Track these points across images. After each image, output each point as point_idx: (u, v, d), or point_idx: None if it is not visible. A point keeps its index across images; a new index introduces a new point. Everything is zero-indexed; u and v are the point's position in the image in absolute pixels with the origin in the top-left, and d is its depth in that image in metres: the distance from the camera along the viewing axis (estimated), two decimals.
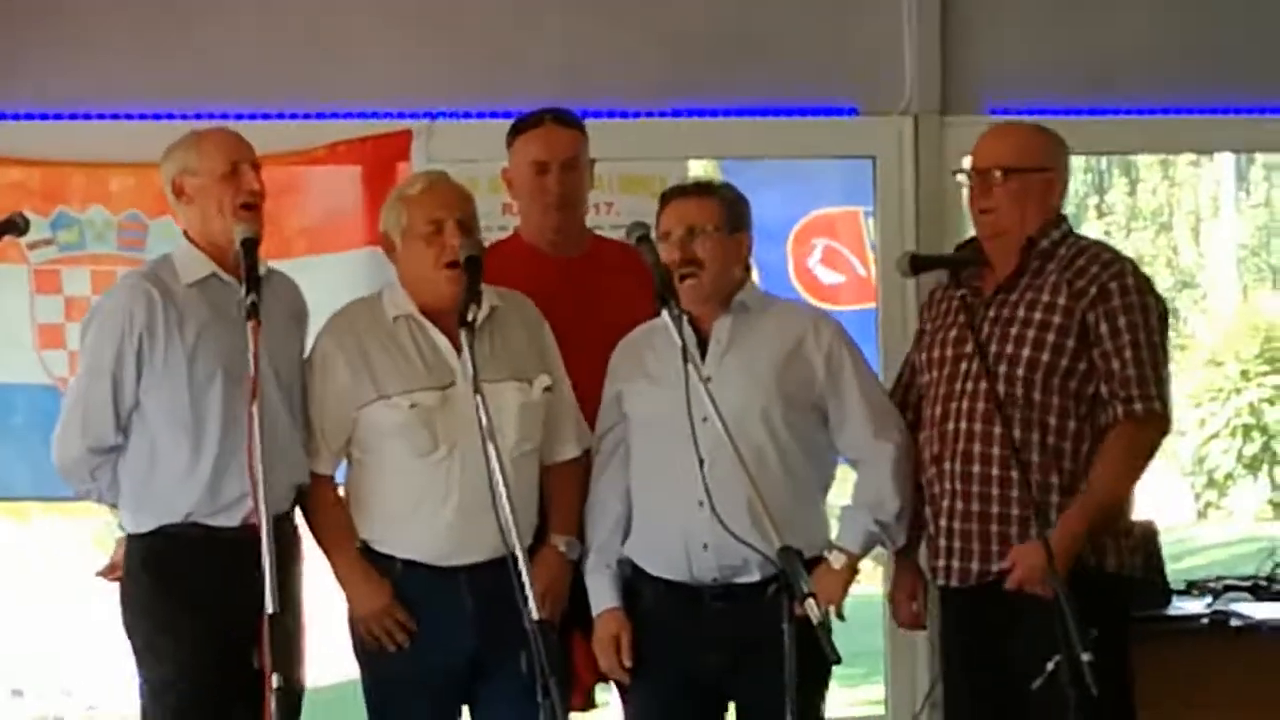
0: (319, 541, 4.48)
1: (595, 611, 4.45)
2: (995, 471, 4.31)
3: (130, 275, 4.45)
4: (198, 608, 4.22)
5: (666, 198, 4.52)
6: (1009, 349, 4.30)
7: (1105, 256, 4.43)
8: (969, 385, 4.36)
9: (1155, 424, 4.34)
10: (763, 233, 4.75)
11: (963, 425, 4.35)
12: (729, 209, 4.45)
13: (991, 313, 4.34)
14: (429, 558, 4.36)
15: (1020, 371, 4.31)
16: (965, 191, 4.55)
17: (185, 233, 4.42)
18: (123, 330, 4.26)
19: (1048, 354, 4.32)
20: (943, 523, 4.38)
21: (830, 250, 6.42)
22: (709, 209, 4.42)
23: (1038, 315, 4.34)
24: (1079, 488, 4.30)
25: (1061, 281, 4.36)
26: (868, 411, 4.44)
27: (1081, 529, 4.24)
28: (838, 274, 6.32)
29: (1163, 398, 4.33)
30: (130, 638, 4.36)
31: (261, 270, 4.27)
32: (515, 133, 4.88)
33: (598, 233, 5.10)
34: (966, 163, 4.59)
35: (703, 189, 4.52)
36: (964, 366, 4.38)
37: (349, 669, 4.52)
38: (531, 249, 4.84)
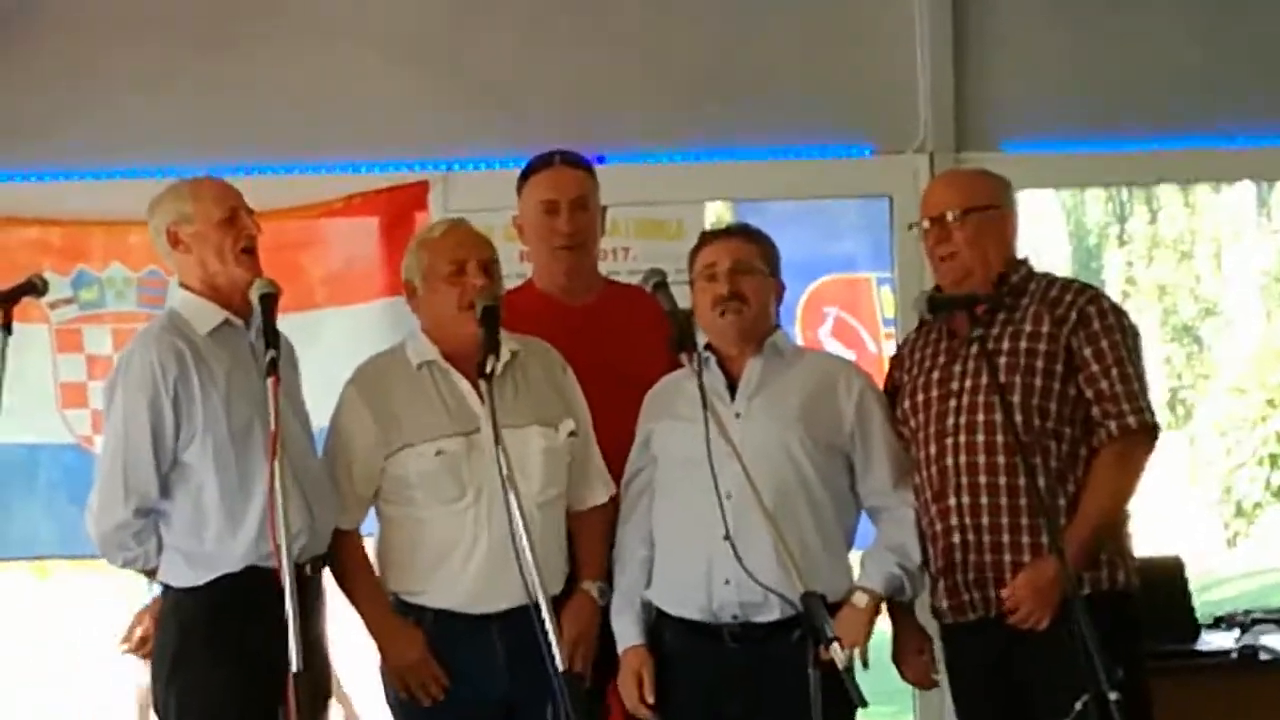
0: (349, 596, 4.45)
1: (620, 650, 4.45)
2: (1004, 501, 4.32)
3: (149, 331, 4.35)
4: (253, 659, 4.10)
5: (709, 237, 4.57)
6: (1002, 379, 4.31)
7: (1077, 285, 4.52)
8: (962, 419, 4.38)
9: (1148, 435, 4.38)
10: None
11: (963, 459, 4.36)
12: (771, 252, 4.53)
13: (974, 350, 4.34)
14: (460, 606, 4.35)
15: (1017, 399, 4.32)
16: (922, 244, 4.59)
17: (183, 283, 4.38)
18: (156, 385, 4.19)
19: (1040, 380, 4.35)
20: (956, 558, 4.37)
21: (842, 322, 6.42)
22: (755, 249, 4.48)
23: (1024, 345, 4.38)
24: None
25: (1042, 311, 4.41)
26: (892, 460, 4.46)
27: (1081, 552, 4.24)
28: (849, 349, 6.31)
29: (1151, 409, 4.39)
30: (172, 689, 4.25)
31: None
32: (525, 176, 4.87)
33: (614, 277, 5.10)
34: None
35: (748, 230, 4.57)
36: (953, 403, 4.41)
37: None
38: (544, 296, 4.83)
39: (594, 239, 4.90)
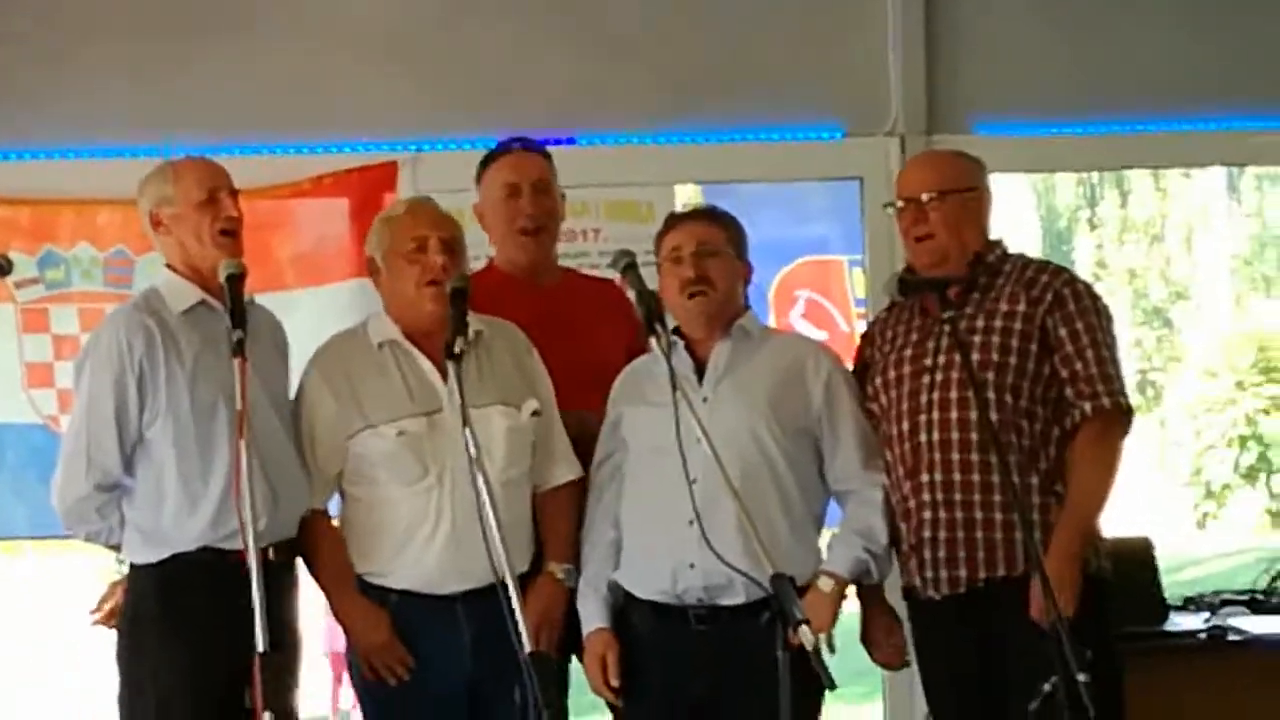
0: (316, 577, 4.45)
1: (585, 633, 4.44)
2: (976, 477, 4.33)
3: (121, 308, 4.39)
4: (204, 640, 4.14)
5: (674, 219, 4.56)
6: (975, 358, 4.32)
7: (1052, 267, 4.53)
8: (935, 396, 4.39)
9: (1122, 416, 4.40)
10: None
11: (935, 436, 4.36)
12: (737, 234, 4.52)
13: (947, 329, 4.34)
14: (424, 586, 4.34)
15: (991, 377, 4.33)
16: (896, 224, 4.59)
17: (167, 264, 4.40)
18: (122, 362, 4.22)
19: (1015, 359, 4.37)
20: (926, 534, 4.38)
21: (813, 304, 6.42)
22: (720, 231, 4.47)
23: (998, 324, 4.39)
24: (1054, 487, 4.35)
25: (1018, 291, 4.42)
26: (860, 442, 4.46)
27: (1078, 537, 4.28)
28: (821, 330, 6.31)
29: (1125, 391, 4.42)
30: (126, 667, 4.29)
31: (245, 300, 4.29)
32: (484, 164, 4.89)
33: (584, 259, 5.11)
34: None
35: (714, 213, 4.56)
36: (926, 380, 4.42)
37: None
38: (507, 276, 4.83)
39: (555, 223, 4.90)
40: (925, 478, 4.38)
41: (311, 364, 4.47)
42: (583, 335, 4.68)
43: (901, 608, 4.55)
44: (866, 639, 4.54)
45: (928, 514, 4.37)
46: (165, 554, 4.25)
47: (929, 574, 4.39)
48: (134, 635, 4.29)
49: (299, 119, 6.07)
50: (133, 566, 4.32)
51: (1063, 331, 4.38)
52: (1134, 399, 4.52)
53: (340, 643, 10.44)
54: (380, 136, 6.09)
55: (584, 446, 4.53)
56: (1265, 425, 17.35)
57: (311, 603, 4.51)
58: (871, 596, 4.51)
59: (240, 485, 3.73)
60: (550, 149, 4.95)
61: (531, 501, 4.47)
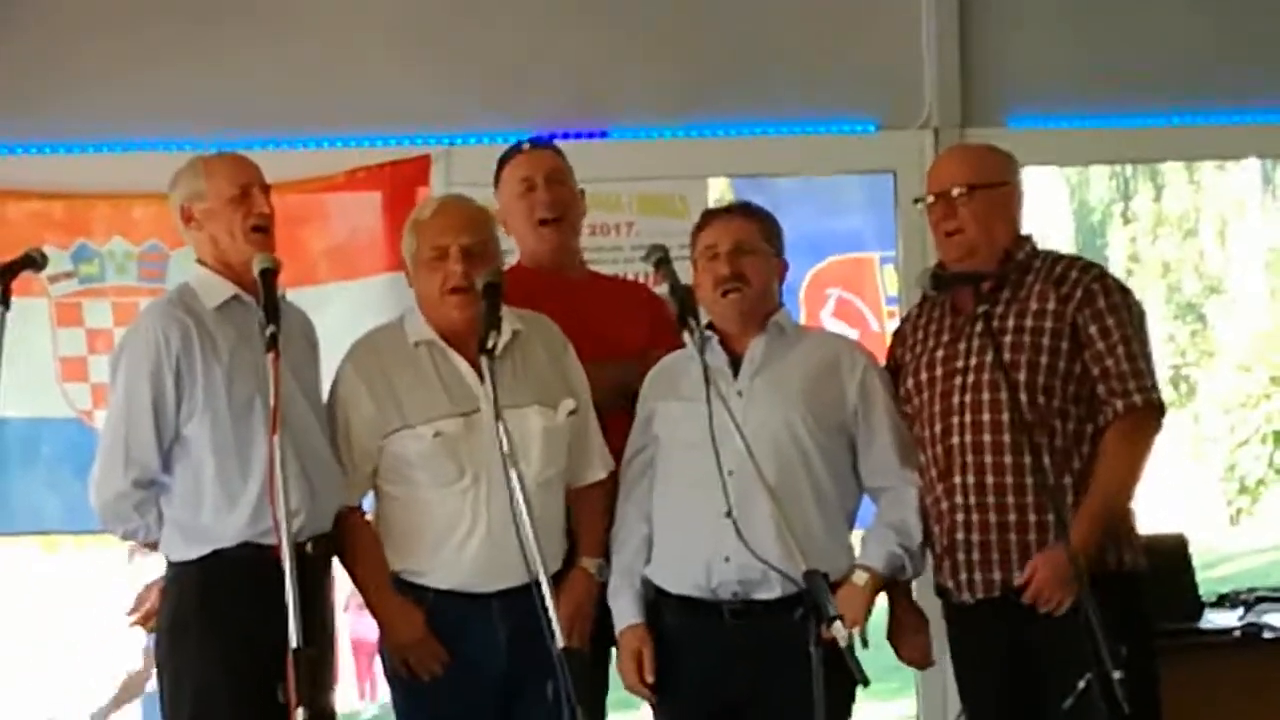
0: (351, 573, 4.46)
1: (618, 629, 4.44)
2: (1009, 479, 4.31)
3: (156, 304, 4.40)
4: (245, 635, 4.12)
5: (710, 216, 4.57)
6: (1007, 357, 4.30)
7: (1082, 262, 4.51)
8: (967, 398, 4.37)
9: (1154, 414, 4.38)
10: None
11: (968, 438, 4.35)
12: (774, 230, 4.52)
13: (978, 327, 4.33)
14: (460, 585, 4.34)
15: (1023, 377, 4.32)
16: (926, 218, 4.57)
17: (199, 259, 4.40)
18: (159, 358, 4.22)
19: (1046, 357, 4.35)
20: (959, 537, 4.37)
21: (844, 302, 6.41)
22: (756, 228, 4.47)
23: (1029, 322, 4.37)
24: (1089, 486, 4.32)
25: (1048, 288, 4.40)
26: (895, 439, 4.45)
27: (1096, 530, 4.25)
28: (852, 329, 6.29)
29: (1157, 388, 4.39)
30: (167, 662, 4.30)
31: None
32: (499, 167, 4.92)
33: (617, 253, 5.11)
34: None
35: (749, 209, 4.57)
36: (958, 381, 4.40)
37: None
38: (533, 271, 4.82)
39: (574, 215, 4.90)
40: (958, 479, 4.36)
41: (347, 360, 4.47)
42: (604, 329, 4.69)
43: (934, 607, 4.54)
44: (894, 638, 4.52)
45: (960, 516, 4.36)
46: (206, 550, 4.24)
47: (962, 576, 4.38)
48: (175, 631, 4.29)
49: (332, 112, 6.07)
50: (172, 564, 4.32)
51: (1093, 329, 4.36)
52: (1167, 394, 4.51)
53: (356, 630, 10.42)
54: (413, 130, 6.09)
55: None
56: None
57: None
58: (899, 595, 4.50)
59: (275, 481, 3.74)
60: (583, 143, 4.96)
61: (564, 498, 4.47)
